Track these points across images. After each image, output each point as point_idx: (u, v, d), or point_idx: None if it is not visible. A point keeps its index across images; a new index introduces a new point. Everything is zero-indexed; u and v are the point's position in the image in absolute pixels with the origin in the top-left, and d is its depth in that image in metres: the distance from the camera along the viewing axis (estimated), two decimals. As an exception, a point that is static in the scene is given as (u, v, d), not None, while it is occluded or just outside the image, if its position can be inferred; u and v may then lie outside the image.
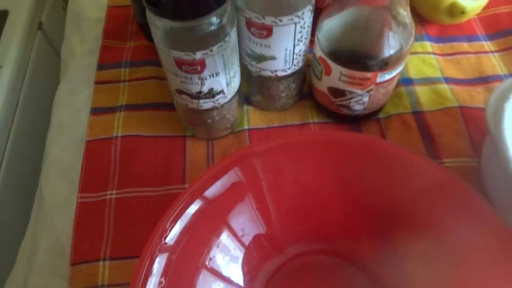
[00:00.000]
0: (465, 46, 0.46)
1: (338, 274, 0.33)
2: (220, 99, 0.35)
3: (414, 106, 0.41)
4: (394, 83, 0.38)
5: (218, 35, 0.30)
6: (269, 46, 0.34)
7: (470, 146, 0.39)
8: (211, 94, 0.34)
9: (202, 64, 0.31)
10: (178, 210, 0.27)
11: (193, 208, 0.28)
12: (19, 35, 0.57)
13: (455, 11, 0.44)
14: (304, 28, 0.34)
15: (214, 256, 0.30)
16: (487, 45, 0.46)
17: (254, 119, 0.41)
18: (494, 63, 0.44)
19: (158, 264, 0.27)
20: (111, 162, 0.38)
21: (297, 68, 0.37)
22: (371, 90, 0.36)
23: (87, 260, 0.33)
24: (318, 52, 0.36)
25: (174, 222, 0.27)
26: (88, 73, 0.45)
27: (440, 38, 0.47)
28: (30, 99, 0.57)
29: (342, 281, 0.33)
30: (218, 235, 0.30)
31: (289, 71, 0.37)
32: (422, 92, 0.42)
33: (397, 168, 0.31)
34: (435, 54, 0.45)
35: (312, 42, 0.37)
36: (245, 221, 0.31)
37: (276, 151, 0.30)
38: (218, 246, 0.30)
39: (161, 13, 0.28)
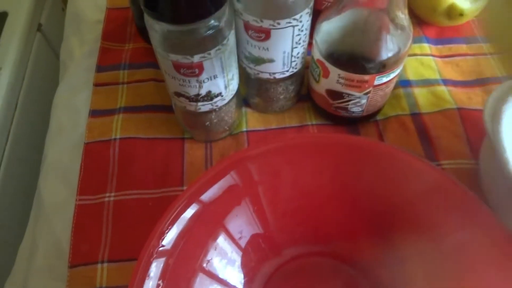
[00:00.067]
0: (463, 48, 0.46)
1: (337, 276, 0.33)
2: (218, 102, 0.35)
3: (412, 108, 0.41)
4: (392, 85, 0.38)
5: (216, 39, 0.30)
6: (267, 49, 0.34)
7: (468, 148, 0.39)
8: (209, 96, 0.34)
9: (200, 67, 0.31)
10: (175, 214, 0.27)
11: (190, 212, 0.28)
12: (18, 36, 0.57)
13: (454, 13, 0.44)
14: (302, 31, 0.34)
15: (211, 259, 0.30)
16: (486, 47, 0.46)
17: (252, 121, 0.41)
18: (492, 65, 0.44)
19: (156, 267, 0.27)
20: (109, 164, 0.38)
21: (295, 70, 0.37)
22: (369, 92, 0.36)
23: (86, 262, 0.34)
24: (316, 55, 0.36)
25: (171, 225, 0.27)
26: (87, 75, 0.45)
27: (439, 40, 0.47)
28: (29, 100, 0.57)
29: (341, 283, 0.33)
30: (215, 238, 0.30)
31: (287, 74, 0.37)
32: (420, 94, 0.42)
33: (395, 170, 0.31)
34: (433, 56, 0.45)
35: (310, 44, 0.37)
36: (242, 223, 0.31)
37: (272, 154, 0.30)
38: (215, 249, 0.30)
39: (159, 16, 0.28)
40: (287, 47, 0.34)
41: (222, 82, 0.33)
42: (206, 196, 0.28)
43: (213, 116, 0.37)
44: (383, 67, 0.34)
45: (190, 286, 0.28)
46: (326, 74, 0.36)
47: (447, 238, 0.29)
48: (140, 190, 0.37)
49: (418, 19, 0.47)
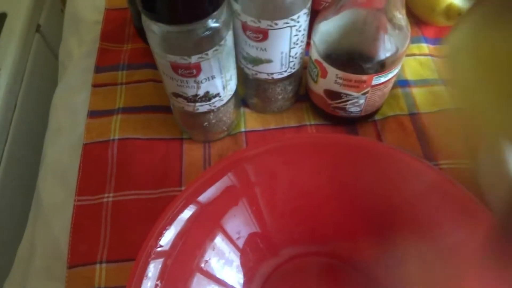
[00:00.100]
0: (462, 47, 0.46)
1: (335, 276, 0.33)
2: (216, 102, 0.35)
3: (411, 108, 0.41)
4: (390, 85, 0.38)
5: (213, 39, 0.30)
6: (265, 49, 0.34)
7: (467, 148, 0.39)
8: (207, 97, 0.34)
9: (198, 68, 0.31)
10: (173, 214, 0.27)
11: (187, 213, 0.28)
12: (17, 37, 0.57)
13: (452, 12, 0.44)
14: (300, 31, 0.34)
15: (209, 259, 0.30)
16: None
17: (250, 121, 0.41)
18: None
19: (154, 268, 0.27)
20: (108, 165, 0.38)
21: (293, 70, 0.37)
22: (367, 92, 0.36)
23: (84, 263, 0.34)
24: (314, 55, 0.36)
25: (169, 225, 0.27)
26: (86, 76, 0.45)
27: (437, 40, 0.47)
28: (28, 101, 0.57)
29: (339, 283, 0.33)
30: (213, 238, 0.30)
31: (285, 74, 0.37)
32: (418, 93, 0.42)
33: (393, 170, 0.31)
34: (432, 55, 0.45)
35: (308, 44, 0.37)
36: (240, 224, 0.31)
37: (270, 155, 0.30)
38: (213, 249, 0.30)
39: (156, 17, 0.28)
40: (285, 48, 0.34)
41: (220, 83, 0.33)
42: (204, 197, 0.28)
43: (211, 117, 0.37)
44: (381, 67, 0.34)
45: (188, 286, 0.28)
46: (324, 74, 0.36)
47: (446, 237, 0.29)
48: (138, 190, 0.37)
49: (417, 19, 0.47)
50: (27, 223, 0.39)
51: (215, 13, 0.28)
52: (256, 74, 0.37)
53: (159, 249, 0.27)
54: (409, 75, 0.44)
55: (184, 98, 0.34)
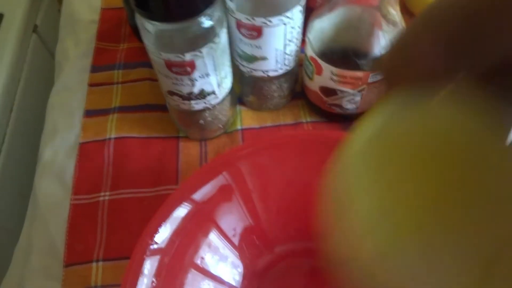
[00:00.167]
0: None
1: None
2: (212, 100, 0.35)
3: (407, 105, 0.41)
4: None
5: (207, 37, 0.30)
6: (260, 46, 0.34)
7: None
8: (202, 95, 0.34)
9: (192, 65, 0.31)
10: (168, 212, 0.27)
11: (183, 210, 0.28)
12: (14, 37, 0.57)
13: (447, 9, 0.44)
14: (294, 28, 0.34)
15: (205, 256, 0.30)
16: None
17: (247, 119, 0.41)
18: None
19: (150, 265, 0.27)
20: (104, 163, 0.38)
21: (288, 68, 0.37)
22: (363, 89, 0.36)
23: (80, 261, 0.34)
24: (309, 52, 0.36)
25: (164, 223, 0.27)
26: (82, 75, 0.45)
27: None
28: (25, 101, 0.57)
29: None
30: (209, 235, 0.30)
31: (280, 71, 0.37)
32: (414, 90, 0.42)
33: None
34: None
35: (303, 42, 0.37)
36: (235, 221, 0.31)
37: (263, 152, 0.30)
38: (209, 246, 0.30)
39: (149, 15, 0.28)
40: (279, 45, 0.34)
41: (214, 80, 0.33)
42: (199, 194, 0.29)
43: (207, 114, 0.37)
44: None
45: (184, 283, 0.28)
46: (319, 71, 0.36)
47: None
48: (135, 189, 0.37)
49: (412, 16, 0.47)
50: (24, 222, 0.39)
51: (208, 10, 0.28)
52: (251, 71, 0.37)
53: (154, 246, 0.27)
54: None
55: (179, 96, 0.34)
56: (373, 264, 0.13)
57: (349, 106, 0.38)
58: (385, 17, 0.33)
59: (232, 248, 0.31)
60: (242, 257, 0.32)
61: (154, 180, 0.38)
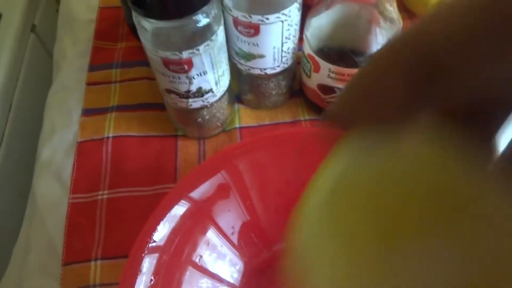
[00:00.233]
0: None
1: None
2: (209, 98, 0.35)
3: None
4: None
5: (204, 34, 0.30)
6: (257, 44, 0.34)
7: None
8: (200, 93, 0.34)
9: (189, 63, 0.31)
10: (166, 210, 0.27)
11: (181, 209, 0.28)
12: (12, 37, 0.57)
13: (445, 6, 0.44)
14: (291, 25, 0.34)
15: (204, 254, 0.30)
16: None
17: (245, 117, 0.41)
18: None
19: (148, 263, 0.27)
20: (102, 162, 0.38)
21: (286, 66, 0.37)
22: (360, 86, 0.36)
23: (79, 260, 0.34)
24: (307, 50, 0.36)
25: (163, 221, 0.27)
26: (80, 74, 0.45)
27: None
28: (23, 101, 0.57)
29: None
30: (207, 233, 0.30)
31: (278, 69, 0.37)
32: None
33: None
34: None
35: (301, 40, 0.37)
36: (234, 219, 0.31)
37: (260, 150, 0.30)
38: (207, 245, 0.30)
39: (146, 13, 0.28)
40: (277, 42, 0.34)
41: (212, 78, 0.33)
42: (197, 192, 0.29)
43: (205, 113, 0.37)
44: (374, 61, 0.34)
45: (182, 281, 0.28)
46: (317, 68, 0.36)
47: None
48: (133, 187, 0.37)
49: (410, 13, 0.47)
50: (22, 222, 0.39)
51: (204, 8, 0.28)
52: (249, 69, 0.37)
53: (152, 244, 0.27)
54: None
55: (177, 94, 0.34)
56: None
57: (347, 103, 0.38)
58: (383, 14, 0.33)
59: (230, 246, 0.31)
60: (240, 255, 0.32)
61: (152, 178, 0.38)
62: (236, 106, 0.41)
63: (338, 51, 0.35)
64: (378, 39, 0.34)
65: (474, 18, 0.09)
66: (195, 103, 0.35)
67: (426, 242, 0.10)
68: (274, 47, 0.34)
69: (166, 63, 0.31)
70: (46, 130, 0.43)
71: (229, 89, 0.38)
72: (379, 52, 0.11)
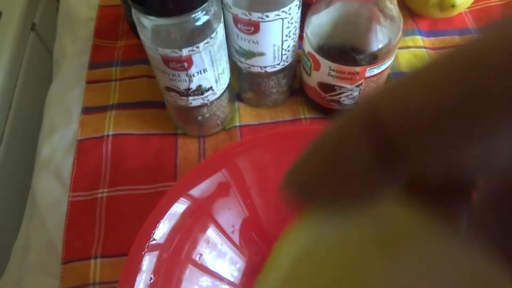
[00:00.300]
0: (456, 39, 0.46)
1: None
2: (209, 96, 0.35)
3: (405, 100, 0.41)
4: (384, 77, 0.37)
5: (204, 32, 0.30)
6: (257, 42, 0.34)
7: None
8: (200, 91, 0.34)
9: (189, 61, 0.31)
10: (166, 208, 0.27)
11: (181, 206, 0.28)
12: (12, 36, 0.57)
13: (445, 4, 0.43)
14: (291, 23, 0.33)
15: (204, 252, 0.30)
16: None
17: (245, 115, 0.41)
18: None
19: (148, 261, 0.27)
20: (102, 160, 0.38)
21: (286, 64, 0.37)
22: (360, 84, 0.36)
23: (79, 258, 0.34)
24: (307, 48, 0.36)
25: (162, 219, 0.27)
26: (80, 73, 0.45)
27: (431, 32, 0.46)
28: (23, 99, 0.57)
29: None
30: (207, 231, 0.30)
31: (278, 67, 0.37)
32: (413, 86, 0.42)
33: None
34: (426, 48, 0.45)
35: (301, 38, 0.37)
36: (234, 217, 0.31)
37: (260, 148, 0.30)
38: (208, 243, 0.30)
39: (146, 10, 0.28)
40: (277, 40, 0.34)
41: (212, 76, 0.33)
42: (197, 190, 0.28)
43: (205, 111, 0.37)
44: (374, 59, 0.34)
45: (182, 279, 0.28)
46: (317, 67, 0.36)
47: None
48: (133, 186, 0.37)
49: (411, 12, 0.47)
50: (22, 220, 0.39)
51: (204, 5, 0.28)
52: (249, 67, 0.37)
53: (152, 242, 0.27)
54: (404, 67, 0.44)
55: (177, 92, 0.34)
56: None
57: (348, 102, 0.38)
58: (383, 11, 0.33)
59: (230, 244, 0.31)
60: (241, 254, 0.32)
61: (152, 177, 0.38)
62: (236, 104, 0.41)
63: (339, 49, 0.35)
64: (379, 37, 0.34)
65: (429, 101, 0.08)
66: (195, 101, 0.35)
67: None
68: (274, 45, 0.34)
69: (166, 60, 0.31)
70: (46, 128, 0.43)
71: (229, 87, 0.37)
72: (336, 123, 0.10)
